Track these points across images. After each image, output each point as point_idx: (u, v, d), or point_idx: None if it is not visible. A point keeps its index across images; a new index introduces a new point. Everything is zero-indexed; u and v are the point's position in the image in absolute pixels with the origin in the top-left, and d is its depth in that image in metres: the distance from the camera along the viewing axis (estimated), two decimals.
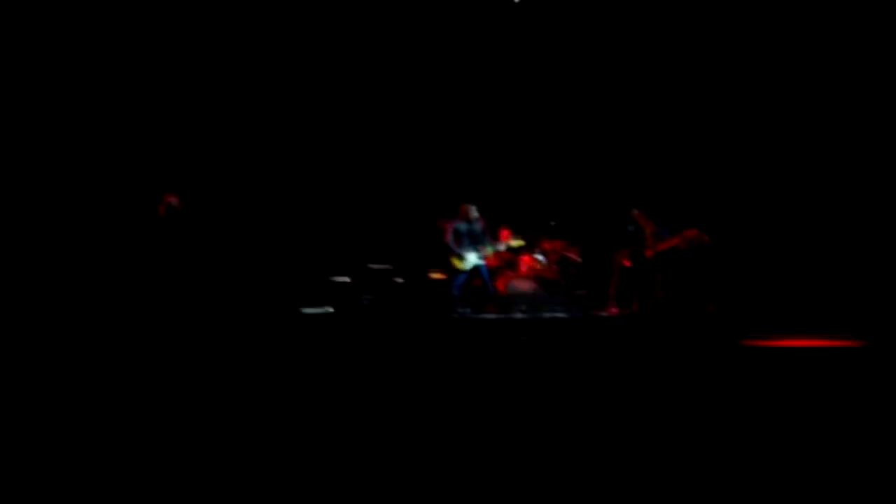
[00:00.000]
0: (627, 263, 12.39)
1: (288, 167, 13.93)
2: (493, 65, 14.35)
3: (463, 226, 12.26)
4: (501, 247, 12.56)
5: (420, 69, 14.32)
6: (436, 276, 12.70)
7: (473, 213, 12.34)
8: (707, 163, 13.96)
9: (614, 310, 12.36)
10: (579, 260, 12.77)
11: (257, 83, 13.79)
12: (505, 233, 12.84)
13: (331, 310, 12.23)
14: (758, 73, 13.66)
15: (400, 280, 12.63)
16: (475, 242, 12.24)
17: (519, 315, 11.78)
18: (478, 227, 12.32)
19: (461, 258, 12.17)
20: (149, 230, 10.71)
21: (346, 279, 12.76)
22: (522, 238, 12.67)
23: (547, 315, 11.75)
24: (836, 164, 13.24)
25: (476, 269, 12.22)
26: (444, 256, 12.34)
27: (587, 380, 6.65)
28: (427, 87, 14.42)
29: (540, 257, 12.66)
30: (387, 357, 8.21)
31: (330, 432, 4.68)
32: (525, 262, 12.70)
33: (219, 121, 13.58)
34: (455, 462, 4.01)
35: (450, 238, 12.21)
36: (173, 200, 10.83)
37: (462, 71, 14.35)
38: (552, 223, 12.96)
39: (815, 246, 12.95)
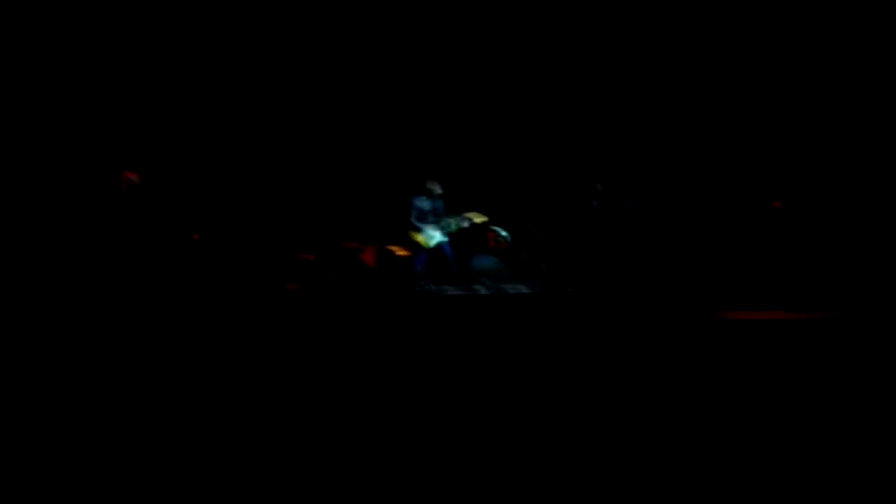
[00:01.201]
0: (592, 238, 12.47)
1: (249, 143, 13.84)
2: (456, 41, 14.30)
3: (426, 203, 12.28)
4: (465, 223, 12.59)
5: (381, 45, 14.25)
6: (400, 252, 12.73)
7: (437, 189, 12.37)
8: (677, 134, 14.03)
9: (578, 284, 12.45)
10: (543, 235, 12.84)
11: (218, 56, 13.67)
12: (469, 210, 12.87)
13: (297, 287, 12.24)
14: (724, 48, 13.72)
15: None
16: (439, 219, 12.27)
17: (482, 291, 11.85)
18: (441, 203, 12.35)
19: (425, 235, 12.21)
20: (109, 208, 10.60)
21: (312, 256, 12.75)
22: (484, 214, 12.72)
23: (510, 290, 11.82)
24: (806, 137, 13.34)
25: (439, 245, 12.26)
26: (408, 233, 12.37)
27: (553, 356, 6.71)
28: (390, 62, 14.36)
29: (502, 233, 12.71)
30: (352, 334, 8.23)
31: (295, 412, 4.71)
32: (488, 237, 12.75)
33: (180, 96, 13.46)
34: (422, 441, 4.06)
35: (413, 215, 12.24)
36: (133, 177, 10.69)
37: (424, 47, 14.30)
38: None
39: (787, 218, 13.05)
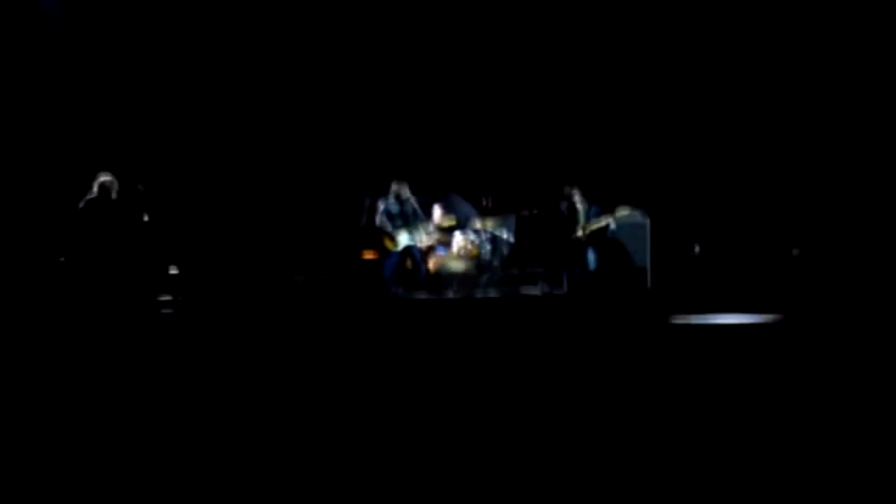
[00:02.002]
0: (560, 242, 12.41)
1: (214, 146, 13.66)
2: (425, 38, 14.21)
3: (394, 205, 12.17)
4: (433, 227, 12.50)
5: (349, 40, 14.13)
6: (368, 256, 12.61)
7: (405, 191, 12.25)
8: (643, 138, 14.03)
9: (546, 289, 12.40)
10: (512, 239, 12.78)
11: (194, 59, 13.52)
12: (438, 213, 12.78)
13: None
14: (694, 44, 13.75)
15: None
16: (407, 222, 12.17)
17: (451, 295, 11.76)
18: (409, 206, 12.24)
19: (393, 238, 12.10)
20: (81, 211, 10.36)
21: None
22: (454, 217, 12.64)
23: (479, 295, 11.75)
24: (771, 136, 13.40)
25: (408, 249, 12.15)
26: (376, 237, 12.26)
27: (519, 359, 6.65)
28: (358, 60, 14.24)
29: (472, 237, 12.62)
30: (320, 339, 8.13)
31: (266, 415, 4.59)
32: (457, 241, 12.65)
33: (150, 97, 13.28)
34: (394, 445, 3.96)
35: (380, 218, 12.13)
36: (106, 179, 10.45)
37: (394, 43, 14.19)
38: (485, 203, 12.91)
39: (746, 223, 13.11)
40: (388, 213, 12.15)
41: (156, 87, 13.32)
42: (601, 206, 12.43)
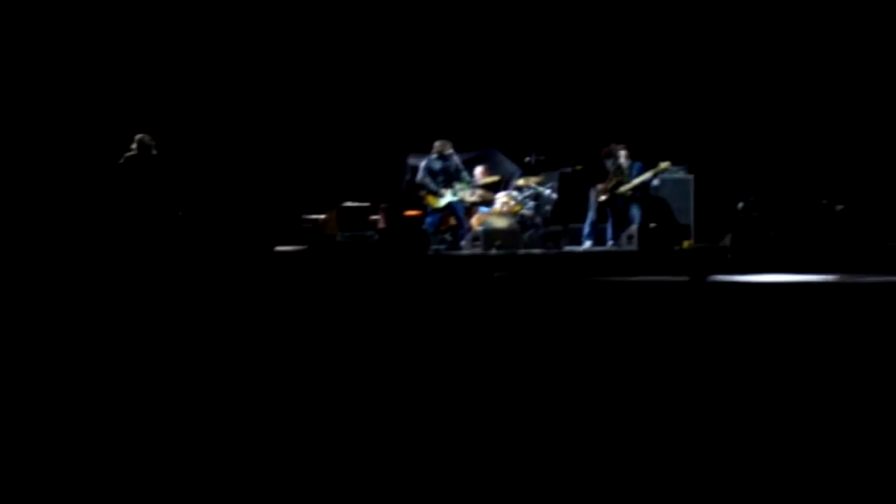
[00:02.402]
0: (603, 198, 12.38)
1: (260, 104, 13.74)
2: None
3: (437, 163, 12.20)
4: (477, 183, 12.53)
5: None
6: (411, 213, 12.67)
7: (448, 149, 12.27)
8: (684, 96, 13.89)
9: (588, 245, 12.40)
10: (555, 196, 12.76)
11: (223, 28, 13.56)
12: (480, 170, 12.79)
13: (305, 247, 12.22)
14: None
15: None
16: (450, 179, 12.20)
17: (493, 252, 11.79)
18: (452, 163, 12.26)
19: (436, 195, 12.15)
20: (123, 170, 10.55)
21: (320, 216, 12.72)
22: (498, 174, 12.66)
23: (522, 252, 11.77)
24: (803, 97, 13.24)
25: (450, 206, 12.20)
26: (419, 194, 12.31)
27: (563, 318, 6.68)
28: (404, 20, 14.20)
29: (515, 193, 12.62)
30: (363, 296, 8.21)
31: (307, 378, 4.68)
32: (500, 198, 12.65)
33: (190, 63, 13.35)
34: (432, 408, 4.03)
35: (423, 175, 12.18)
36: (146, 139, 10.63)
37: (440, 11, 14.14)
38: (529, 160, 12.87)
39: (790, 180, 12.94)
40: (430, 170, 12.19)
41: (190, 52, 13.40)
42: (644, 163, 12.38)
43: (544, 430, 3.59)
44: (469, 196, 12.38)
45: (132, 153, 10.56)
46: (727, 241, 11.36)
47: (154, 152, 10.63)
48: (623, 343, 5.46)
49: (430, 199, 12.19)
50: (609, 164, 12.39)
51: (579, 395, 4.16)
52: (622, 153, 12.38)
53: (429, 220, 12.18)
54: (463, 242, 12.13)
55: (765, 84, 13.56)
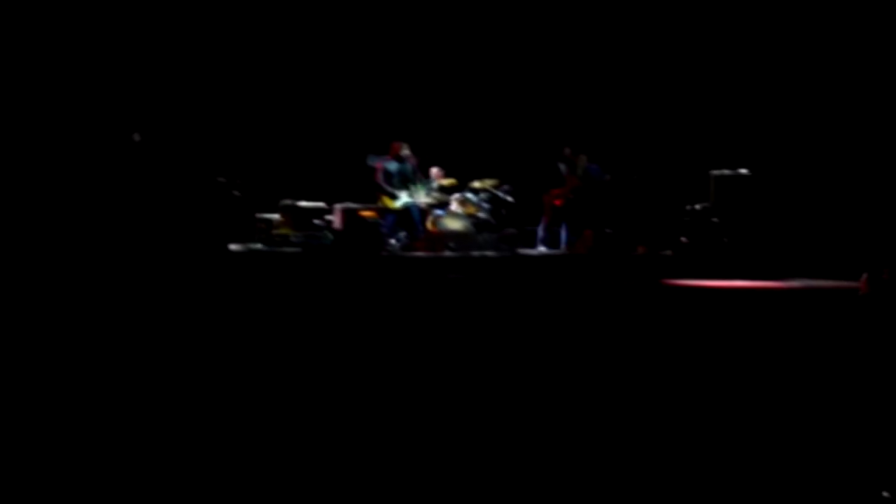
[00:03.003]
0: (558, 202, 12.45)
1: (217, 102, 13.59)
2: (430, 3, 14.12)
3: (394, 165, 12.20)
4: (433, 186, 12.53)
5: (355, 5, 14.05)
6: (366, 214, 12.61)
7: (405, 151, 12.28)
8: (642, 99, 13.95)
9: (543, 248, 12.45)
10: (510, 199, 12.79)
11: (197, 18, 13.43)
12: (435, 172, 12.79)
13: (259, 247, 12.12)
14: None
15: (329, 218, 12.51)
16: (406, 182, 12.20)
17: (448, 253, 11.80)
18: (409, 165, 12.26)
19: (392, 197, 12.14)
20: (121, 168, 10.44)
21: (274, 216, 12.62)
22: (453, 177, 12.66)
23: (476, 254, 11.79)
24: (776, 93, 13.29)
25: (407, 208, 12.18)
26: (375, 195, 12.28)
27: (515, 319, 6.70)
28: (363, 23, 14.14)
29: (470, 196, 12.64)
30: (318, 296, 8.17)
31: (260, 377, 4.65)
32: (456, 201, 12.66)
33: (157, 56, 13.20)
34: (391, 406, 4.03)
35: (380, 177, 12.16)
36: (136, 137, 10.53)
37: (397, 8, 14.09)
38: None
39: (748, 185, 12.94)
40: (387, 172, 12.17)
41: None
42: (601, 166, 12.49)
43: (493, 431, 3.60)
44: (424, 198, 12.38)
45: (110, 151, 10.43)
46: (681, 244, 11.50)
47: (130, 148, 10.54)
48: (576, 346, 5.50)
49: (386, 201, 12.18)
50: (564, 167, 12.49)
51: (529, 397, 4.17)
52: (582, 157, 12.49)
53: (384, 221, 12.15)
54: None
55: (723, 88, 13.64)
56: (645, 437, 3.58)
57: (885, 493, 2.87)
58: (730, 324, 6.43)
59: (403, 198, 12.15)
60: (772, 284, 8.70)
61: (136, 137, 10.60)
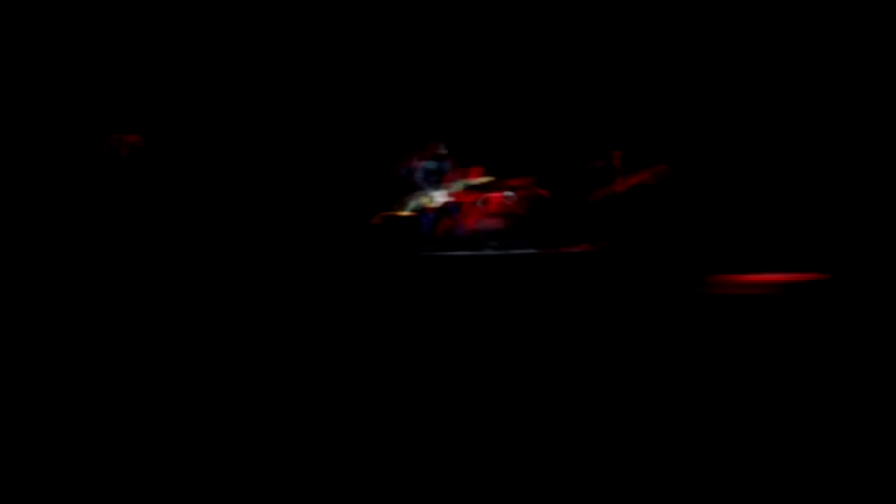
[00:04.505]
0: (597, 199, 12.35)
1: (247, 109, 13.66)
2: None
3: (431, 163, 12.20)
4: (471, 184, 12.48)
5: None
6: (404, 213, 12.60)
7: (442, 150, 12.28)
8: (678, 99, 13.85)
9: (584, 245, 12.35)
10: (549, 196, 12.71)
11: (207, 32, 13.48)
12: (474, 170, 12.73)
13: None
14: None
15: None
16: (445, 180, 12.20)
17: (489, 252, 11.75)
18: (447, 164, 12.25)
19: (429, 196, 12.12)
20: (108, 174, 10.43)
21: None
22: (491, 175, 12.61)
23: (516, 252, 11.72)
24: (796, 97, 13.17)
25: (445, 206, 12.16)
26: (413, 194, 12.27)
27: (559, 318, 6.64)
28: (393, 20, 14.14)
29: (509, 193, 12.58)
30: (358, 298, 8.16)
31: (303, 383, 4.63)
32: (494, 198, 12.61)
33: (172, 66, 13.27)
34: (429, 408, 3.98)
35: (417, 175, 12.15)
36: (135, 140, 10.51)
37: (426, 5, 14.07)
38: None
39: (781, 180, 12.89)
40: (424, 170, 12.17)
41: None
42: (639, 163, 12.36)
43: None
44: (461, 196, 12.36)
45: (118, 156, 10.42)
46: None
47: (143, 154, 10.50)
48: (614, 342, 5.42)
49: (424, 200, 12.15)
50: (601, 164, 12.39)
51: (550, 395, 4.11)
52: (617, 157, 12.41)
53: (424, 220, 12.12)
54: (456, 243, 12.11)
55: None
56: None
57: None
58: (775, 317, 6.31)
59: (441, 197, 12.12)
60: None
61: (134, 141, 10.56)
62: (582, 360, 4.86)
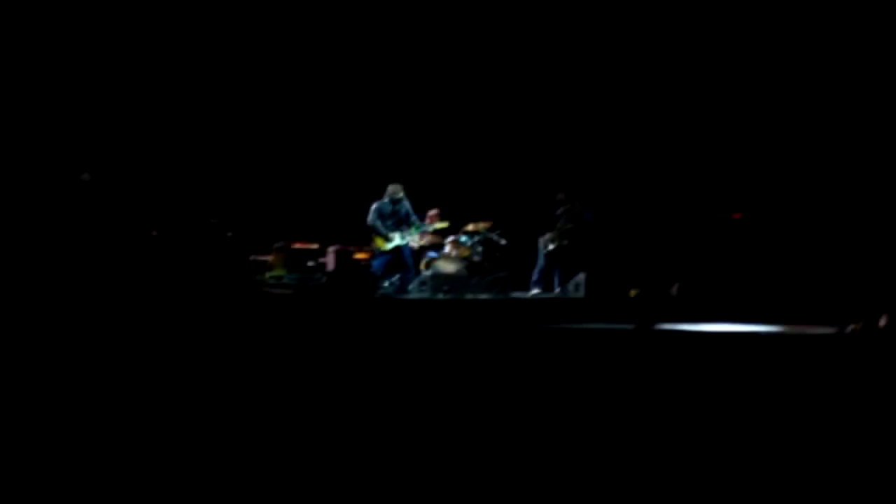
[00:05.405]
0: (552, 247, 12.44)
1: (205, 142, 13.64)
2: (422, 44, 14.21)
3: (388, 206, 12.21)
4: (427, 228, 12.54)
5: (348, 45, 14.14)
6: (359, 255, 12.63)
7: (399, 193, 12.30)
8: (632, 143, 13.98)
9: (536, 291, 12.43)
10: (503, 242, 12.80)
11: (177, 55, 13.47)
12: (430, 214, 12.80)
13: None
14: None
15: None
16: (400, 223, 12.21)
17: (441, 296, 11.78)
18: (403, 207, 12.27)
19: (385, 238, 12.13)
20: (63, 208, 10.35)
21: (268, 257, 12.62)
22: (447, 220, 12.68)
23: (469, 296, 11.76)
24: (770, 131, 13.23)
25: (399, 249, 12.18)
26: (368, 236, 12.29)
27: (506, 362, 6.66)
28: (355, 64, 14.24)
29: (464, 239, 12.66)
30: (311, 338, 8.12)
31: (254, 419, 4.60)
32: (449, 243, 12.67)
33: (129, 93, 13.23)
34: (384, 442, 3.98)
35: (374, 218, 12.17)
36: (85, 177, 10.47)
37: (390, 49, 14.19)
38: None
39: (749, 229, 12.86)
40: (381, 213, 12.19)
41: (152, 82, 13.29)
42: (594, 212, 12.50)
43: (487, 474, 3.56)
44: (418, 240, 12.40)
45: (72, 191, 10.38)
46: (675, 289, 11.42)
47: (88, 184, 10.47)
48: (570, 390, 5.46)
49: (379, 242, 12.18)
50: (560, 211, 12.49)
51: (525, 441, 4.13)
52: (575, 202, 12.50)
53: (376, 262, 12.15)
54: (411, 286, 12.12)
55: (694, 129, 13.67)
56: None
57: None
58: (722, 368, 6.39)
59: (396, 239, 12.14)
60: (763, 329, 8.65)
61: (86, 177, 10.54)
62: (530, 406, 4.90)
